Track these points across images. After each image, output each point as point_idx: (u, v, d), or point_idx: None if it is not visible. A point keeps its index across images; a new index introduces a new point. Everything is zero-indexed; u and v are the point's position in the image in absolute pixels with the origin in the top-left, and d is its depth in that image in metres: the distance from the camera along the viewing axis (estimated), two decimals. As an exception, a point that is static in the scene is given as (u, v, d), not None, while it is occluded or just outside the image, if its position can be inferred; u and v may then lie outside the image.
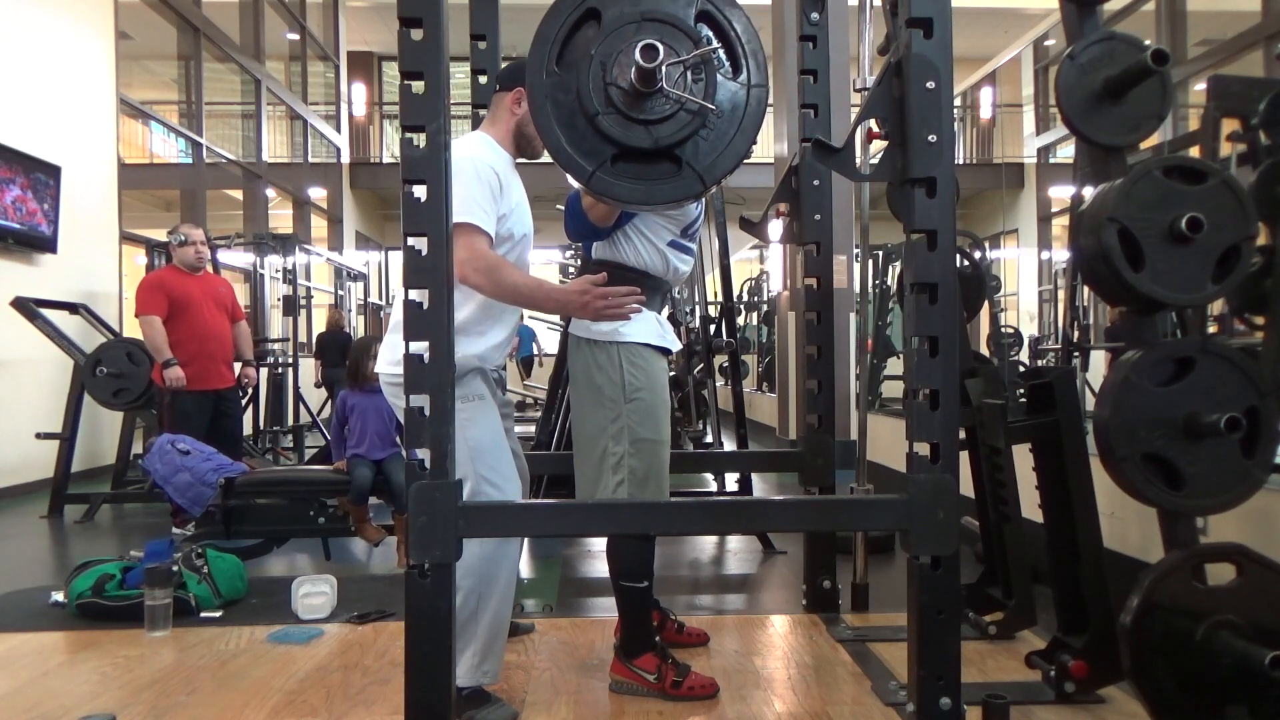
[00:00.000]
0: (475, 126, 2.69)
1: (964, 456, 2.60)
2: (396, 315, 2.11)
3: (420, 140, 1.62)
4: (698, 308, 5.77)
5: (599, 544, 4.07)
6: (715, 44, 1.66)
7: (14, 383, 5.85)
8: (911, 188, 1.72)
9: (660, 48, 1.57)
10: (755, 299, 11.29)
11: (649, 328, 2.24)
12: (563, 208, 2.28)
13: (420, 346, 1.62)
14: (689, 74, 1.64)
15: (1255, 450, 1.82)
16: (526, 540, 3.76)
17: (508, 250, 2.11)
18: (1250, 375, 1.83)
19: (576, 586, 3.34)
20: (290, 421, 7.96)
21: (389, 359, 2.13)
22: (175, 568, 2.97)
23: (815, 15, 2.75)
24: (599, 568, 3.79)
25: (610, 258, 2.27)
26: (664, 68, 1.59)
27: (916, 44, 1.70)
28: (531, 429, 4.66)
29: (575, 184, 1.82)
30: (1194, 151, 2.56)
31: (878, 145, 1.89)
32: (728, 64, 1.68)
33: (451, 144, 2.15)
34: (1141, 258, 1.79)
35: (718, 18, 1.67)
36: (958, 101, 13.84)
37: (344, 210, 13.36)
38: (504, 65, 2.34)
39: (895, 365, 6.86)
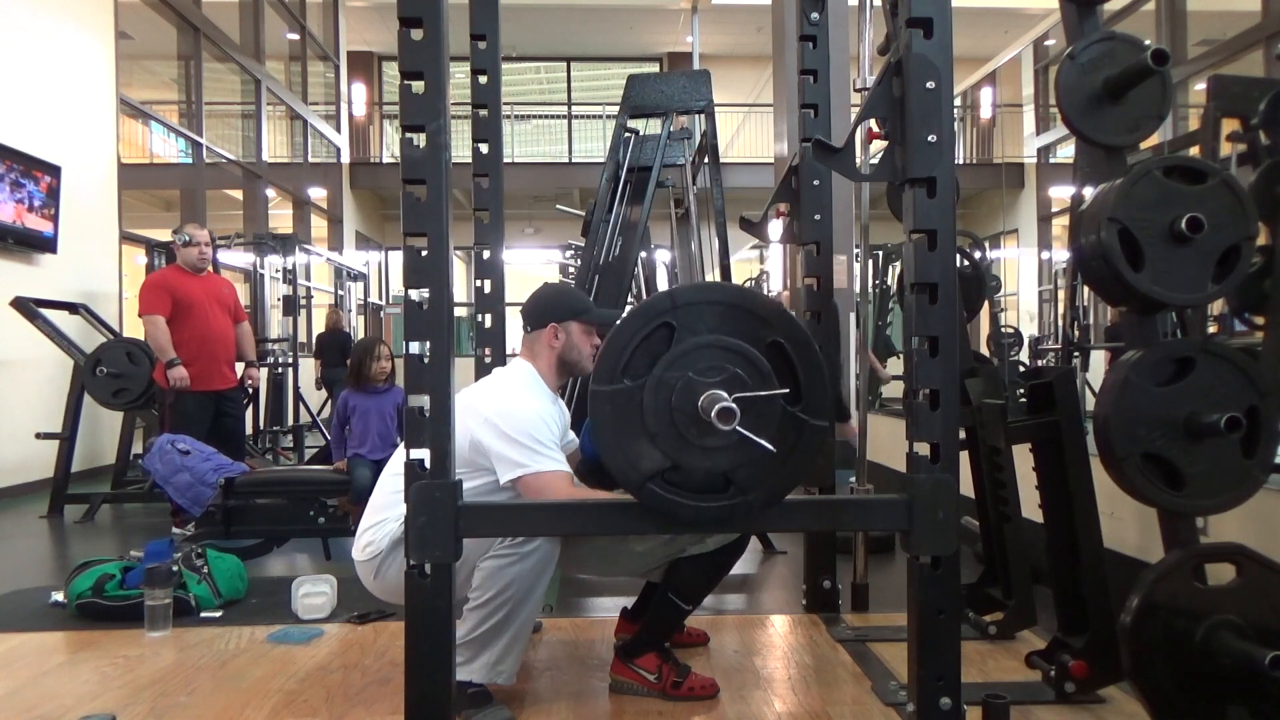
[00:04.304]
0: (475, 127, 2.71)
1: (964, 456, 2.60)
2: (380, 495, 2.26)
3: (420, 140, 1.62)
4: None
5: (599, 544, 4.06)
6: (783, 389, 1.63)
7: (14, 383, 5.86)
8: (911, 188, 1.72)
9: (737, 413, 1.54)
10: (755, 299, 11.25)
11: None
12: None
13: (420, 347, 1.63)
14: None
15: (1255, 450, 1.82)
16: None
17: None
18: (1250, 375, 1.82)
19: (576, 586, 3.34)
20: (290, 421, 7.97)
21: (364, 541, 2.27)
22: (175, 568, 2.97)
23: (815, 15, 2.75)
24: (599, 568, 3.79)
25: None
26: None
27: (916, 44, 1.70)
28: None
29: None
30: (1194, 151, 2.56)
31: (878, 145, 1.89)
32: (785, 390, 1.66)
33: (501, 373, 2.30)
34: (1141, 258, 1.79)
35: (788, 351, 1.66)
36: (958, 101, 13.84)
37: (344, 210, 13.37)
38: (526, 301, 2.33)
39: (895, 365, 6.85)
